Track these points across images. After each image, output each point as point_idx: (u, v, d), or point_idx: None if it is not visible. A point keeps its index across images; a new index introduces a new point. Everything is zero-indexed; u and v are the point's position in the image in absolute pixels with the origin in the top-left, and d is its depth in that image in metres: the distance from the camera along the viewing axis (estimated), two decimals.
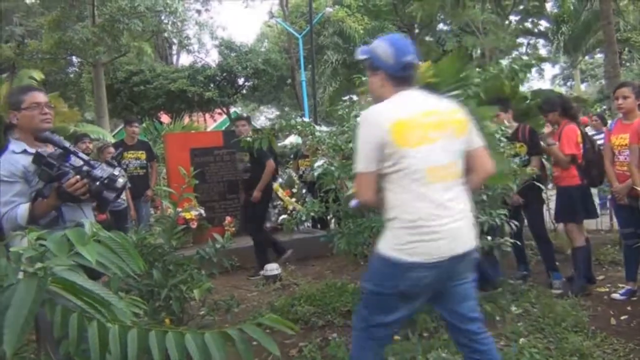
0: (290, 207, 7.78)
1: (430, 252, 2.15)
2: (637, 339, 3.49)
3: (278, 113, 34.94)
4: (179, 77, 20.21)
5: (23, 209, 2.42)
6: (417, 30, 23.95)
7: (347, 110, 4.06)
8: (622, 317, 3.93)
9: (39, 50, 16.03)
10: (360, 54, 2.41)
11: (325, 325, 4.05)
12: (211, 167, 7.29)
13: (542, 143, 4.81)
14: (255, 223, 6.17)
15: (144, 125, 17.06)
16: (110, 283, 1.99)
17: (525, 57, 4.31)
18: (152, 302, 3.10)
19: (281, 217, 7.59)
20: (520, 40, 25.01)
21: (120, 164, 6.30)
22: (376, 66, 2.32)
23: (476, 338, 2.33)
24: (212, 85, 20.71)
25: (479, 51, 21.84)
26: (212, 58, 23.98)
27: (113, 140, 9.44)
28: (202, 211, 6.83)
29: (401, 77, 2.28)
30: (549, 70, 36.58)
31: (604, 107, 15.97)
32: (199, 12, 22.17)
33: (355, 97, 4.78)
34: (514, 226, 4.09)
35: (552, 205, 5.08)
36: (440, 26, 25.23)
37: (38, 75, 10.85)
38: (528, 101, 5.96)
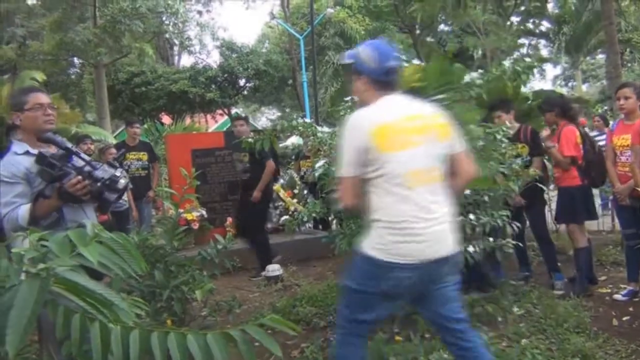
0: (292, 208, 7.77)
1: (412, 254, 2.18)
2: (639, 340, 3.48)
3: (279, 114, 34.94)
4: (180, 78, 20.23)
5: (24, 210, 2.42)
6: (418, 31, 23.96)
7: (348, 111, 4.06)
8: (624, 318, 3.93)
9: (41, 51, 16.05)
10: (345, 59, 2.45)
11: (326, 326, 4.04)
12: (212, 168, 7.28)
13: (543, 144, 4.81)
14: (256, 224, 6.16)
15: (145, 126, 17.07)
16: (112, 284, 1.99)
17: (528, 59, 4.28)
18: (154, 303, 3.10)
19: (283, 218, 7.58)
20: (521, 40, 25.04)
21: (122, 165, 6.30)
22: (360, 71, 2.36)
23: (462, 336, 2.36)
24: (213, 86, 20.71)
25: (480, 52, 21.86)
26: (214, 59, 23.91)
27: (114, 142, 9.44)
28: (204, 212, 6.82)
29: (384, 81, 2.32)
30: (551, 70, 36.55)
31: (606, 107, 15.95)
32: (200, 13, 22.24)
33: (356, 98, 4.78)
34: (515, 228, 4.09)
35: (554, 206, 5.07)
36: (442, 27, 25.26)
37: (40, 76, 10.85)
38: (530, 102, 5.95)
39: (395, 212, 2.19)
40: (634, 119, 4.18)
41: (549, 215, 5.60)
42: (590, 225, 5.65)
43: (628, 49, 24.98)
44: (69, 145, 2.53)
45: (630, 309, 4.11)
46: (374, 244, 2.24)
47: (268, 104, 34.42)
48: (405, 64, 3.67)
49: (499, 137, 3.92)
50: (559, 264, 4.85)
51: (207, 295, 3.40)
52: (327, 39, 22.74)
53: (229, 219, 7.19)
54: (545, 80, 34.64)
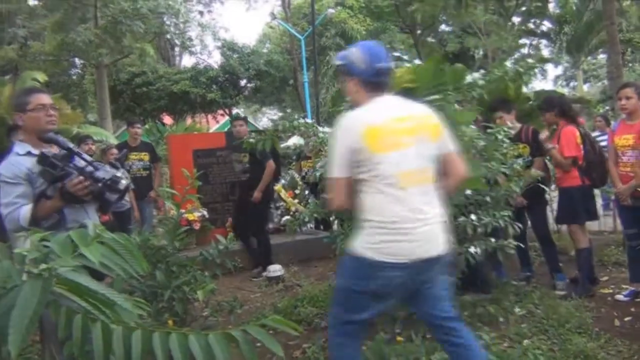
0: (293, 209, 7.76)
1: (402, 253, 2.19)
2: None
3: (280, 114, 34.96)
4: (181, 78, 20.26)
5: (25, 210, 2.43)
6: (419, 32, 23.96)
7: (349, 111, 4.06)
8: (626, 319, 3.91)
9: (42, 52, 16.07)
10: (336, 60, 2.48)
11: (328, 326, 4.04)
12: (214, 169, 7.28)
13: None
14: (256, 224, 6.16)
15: (146, 126, 17.12)
16: (114, 284, 1.99)
17: (530, 60, 4.27)
18: (155, 303, 3.10)
19: (284, 219, 7.57)
20: (522, 41, 25.00)
21: (123, 166, 6.31)
22: (350, 72, 2.38)
23: (453, 333, 2.38)
24: (214, 86, 20.74)
25: (481, 52, 21.85)
26: (215, 59, 23.99)
27: (116, 142, 9.44)
28: (205, 212, 6.82)
29: (375, 82, 2.34)
30: (552, 71, 36.54)
31: (607, 107, 15.94)
32: (201, 13, 22.25)
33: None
34: (517, 228, 4.08)
35: (555, 206, 5.07)
36: (443, 27, 25.25)
37: (41, 77, 10.84)
38: (531, 102, 5.95)
39: (386, 212, 2.21)
40: (636, 119, 4.18)
41: (551, 215, 5.60)
42: (592, 225, 5.64)
43: (629, 49, 24.98)
44: (71, 145, 2.54)
45: (632, 309, 4.09)
46: (365, 244, 2.25)
47: (269, 104, 34.44)
48: (407, 65, 3.67)
49: (500, 137, 3.92)
50: (560, 265, 4.85)
51: (209, 296, 3.41)
52: (328, 39, 22.76)
53: (230, 220, 7.19)
54: (546, 80, 34.68)
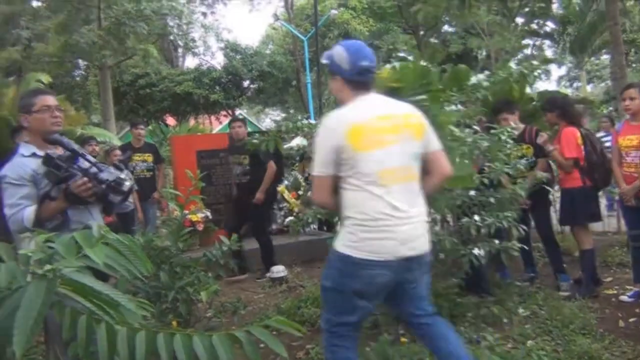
0: (296, 209, 7.77)
1: (385, 251, 2.21)
2: None
3: (283, 115, 35.00)
4: (184, 79, 20.30)
5: (29, 211, 2.44)
6: (422, 32, 23.95)
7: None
8: (631, 320, 3.90)
9: (46, 53, 16.10)
10: (322, 60, 2.50)
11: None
12: (217, 170, 7.29)
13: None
14: (259, 225, 6.14)
15: (150, 127, 17.13)
16: (118, 285, 2.00)
17: (535, 62, 4.26)
18: (159, 304, 3.11)
19: (287, 219, 7.58)
20: (526, 41, 24.95)
21: (127, 167, 6.31)
22: (335, 71, 2.40)
23: (427, 326, 2.41)
24: (217, 87, 20.78)
25: (484, 53, 21.82)
26: (218, 60, 24.08)
27: (119, 143, 9.46)
28: (209, 213, 6.82)
29: (358, 81, 2.35)
30: (555, 71, 36.52)
31: (610, 108, 15.90)
32: (204, 14, 22.27)
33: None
34: (522, 230, 4.06)
35: (559, 207, 5.05)
36: (446, 28, 25.23)
37: (45, 78, 10.87)
38: (534, 103, 5.94)
39: (368, 210, 2.22)
40: None
41: (554, 216, 5.59)
42: (596, 226, 5.62)
43: (633, 50, 24.92)
44: (75, 147, 2.55)
45: (637, 310, 4.08)
46: (348, 242, 2.26)
47: (272, 105, 34.46)
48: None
49: (503, 138, 3.91)
50: (564, 265, 4.83)
51: (212, 297, 3.41)
52: (331, 40, 22.70)
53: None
54: (550, 80, 34.58)
